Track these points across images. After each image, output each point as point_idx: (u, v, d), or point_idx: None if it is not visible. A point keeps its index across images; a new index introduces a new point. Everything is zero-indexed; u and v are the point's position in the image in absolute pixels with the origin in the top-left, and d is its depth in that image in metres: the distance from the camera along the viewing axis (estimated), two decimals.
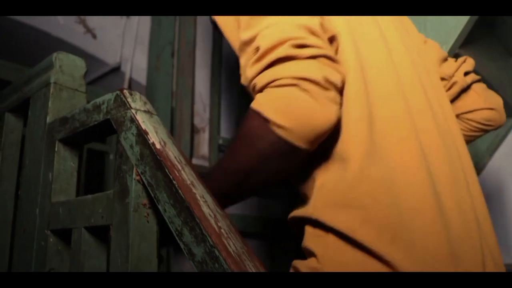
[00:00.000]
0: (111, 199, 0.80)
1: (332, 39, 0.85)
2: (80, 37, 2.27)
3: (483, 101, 1.16)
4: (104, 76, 2.37)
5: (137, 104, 0.81)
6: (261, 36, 0.80)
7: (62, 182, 0.98)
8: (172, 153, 0.73)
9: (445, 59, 1.19)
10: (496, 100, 1.18)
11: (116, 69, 2.32)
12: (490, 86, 1.82)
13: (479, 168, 2.20)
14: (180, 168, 0.71)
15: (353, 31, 0.92)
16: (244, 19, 0.86)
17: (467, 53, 1.63)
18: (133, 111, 0.79)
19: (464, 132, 1.18)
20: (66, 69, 1.08)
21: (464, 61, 1.19)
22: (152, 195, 0.72)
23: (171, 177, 0.69)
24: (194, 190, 0.68)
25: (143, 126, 0.76)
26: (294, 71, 0.75)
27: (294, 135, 0.75)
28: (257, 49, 0.79)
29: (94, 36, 2.28)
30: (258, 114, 0.76)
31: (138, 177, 0.75)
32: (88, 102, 1.11)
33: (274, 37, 0.78)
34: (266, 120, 0.75)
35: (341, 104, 0.81)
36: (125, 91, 0.83)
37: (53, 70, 1.06)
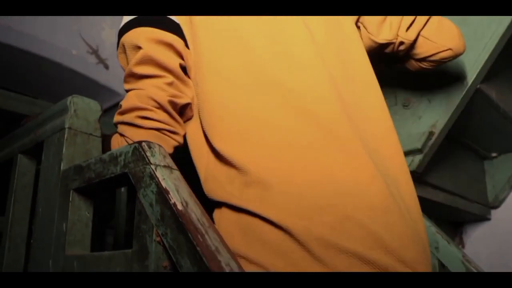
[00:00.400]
0: (129, 258, 0.76)
1: (186, 105, 1.03)
2: (93, 68, 2.26)
3: (438, 46, 1.20)
4: (116, 106, 2.35)
5: (156, 158, 0.77)
6: (126, 96, 1.02)
7: (76, 233, 0.95)
8: (194, 214, 0.69)
9: (383, 21, 1.19)
10: (450, 40, 1.20)
11: None
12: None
13: (499, 200, 2.15)
14: (203, 232, 0.67)
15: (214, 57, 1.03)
16: (125, 71, 1.05)
17: (488, 87, 1.60)
18: (153, 166, 0.75)
19: (431, 66, 1.26)
20: (81, 113, 1.05)
21: (402, 19, 1.19)
22: (174, 260, 0.68)
23: (194, 243, 0.65)
24: (219, 258, 0.64)
25: (164, 184, 0.72)
26: (133, 137, 0.96)
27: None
28: (120, 106, 1.01)
29: (106, 67, 2.27)
30: None
31: (158, 239, 0.72)
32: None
33: (129, 103, 0.99)
34: None
35: None
36: (143, 144, 0.79)
37: (68, 115, 1.04)
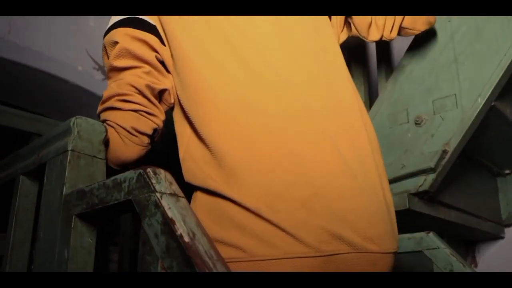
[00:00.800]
0: None
1: (163, 90, 1.11)
2: (98, 84, 2.24)
3: (415, 32, 1.42)
4: None
5: (162, 186, 0.74)
6: (108, 87, 1.12)
7: (79, 260, 0.91)
8: (202, 246, 0.66)
9: (370, 25, 1.36)
10: (424, 24, 1.40)
11: None
12: None
13: None
14: (211, 265, 0.63)
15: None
16: (106, 68, 1.15)
17: (503, 105, 1.56)
18: (158, 195, 0.72)
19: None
20: (85, 134, 1.02)
21: (385, 21, 1.36)
22: None
23: None
24: None
25: (170, 214, 0.69)
26: (115, 119, 1.07)
27: (108, 160, 1.06)
28: (103, 96, 1.11)
29: None
30: None
31: (164, 271, 0.68)
32: None
33: (110, 92, 1.09)
34: None
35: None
36: (148, 170, 0.76)
37: (71, 137, 1.00)
